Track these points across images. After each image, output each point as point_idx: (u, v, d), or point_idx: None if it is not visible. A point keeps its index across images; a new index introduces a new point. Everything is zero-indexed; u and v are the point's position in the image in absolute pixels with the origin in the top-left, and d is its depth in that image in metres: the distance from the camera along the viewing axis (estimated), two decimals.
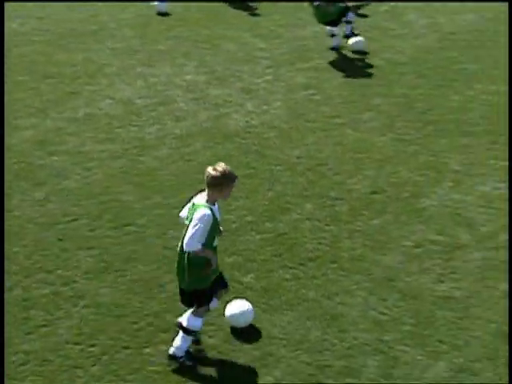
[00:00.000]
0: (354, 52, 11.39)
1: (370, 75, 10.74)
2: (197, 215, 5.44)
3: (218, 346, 6.00)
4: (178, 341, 5.78)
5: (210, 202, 5.55)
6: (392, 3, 13.20)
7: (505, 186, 8.00)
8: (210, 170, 5.52)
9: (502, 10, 12.48)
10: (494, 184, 8.05)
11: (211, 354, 5.94)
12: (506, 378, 5.62)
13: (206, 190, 5.57)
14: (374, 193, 8.01)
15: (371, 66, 10.96)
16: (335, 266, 6.91)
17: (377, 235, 7.33)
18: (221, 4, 13.60)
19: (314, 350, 5.97)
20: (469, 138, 8.96)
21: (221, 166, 5.52)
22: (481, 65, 10.72)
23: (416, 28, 12.16)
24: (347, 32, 11.48)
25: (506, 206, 7.66)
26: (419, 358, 5.87)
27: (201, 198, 5.61)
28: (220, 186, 5.49)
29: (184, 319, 5.76)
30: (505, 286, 6.53)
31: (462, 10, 12.64)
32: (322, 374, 5.75)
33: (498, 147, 8.72)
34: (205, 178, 5.52)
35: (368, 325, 6.21)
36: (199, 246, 5.46)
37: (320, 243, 7.23)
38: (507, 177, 8.12)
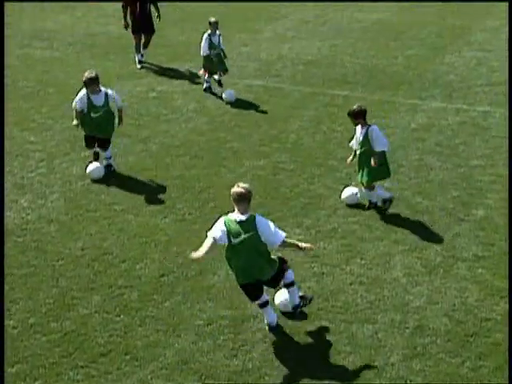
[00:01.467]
0: (127, 137, 11.58)
1: (145, 160, 10.95)
2: (261, 219, 6.92)
3: None
4: (292, 297, 7.27)
5: (248, 212, 6.90)
6: (159, 87, 13.74)
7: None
8: (239, 189, 6.85)
9: (259, 91, 13.58)
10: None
11: None
12: None
13: (239, 207, 6.87)
14: (163, 275, 8.07)
15: (146, 151, 11.20)
16: (129, 357, 6.78)
17: (169, 318, 7.35)
18: None
19: None
20: None
21: (242, 183, 6.96)
22: (246, 143, 11.49)
23: (185, 112, 12.73)
24: None
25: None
26: None
27: (239, 214, 6.87)
28: (250, 198, 6.91)
29: (286, 278, 7.18)
30: (292, 354, 6.85)
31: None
32: None
33: (272, 218, 9.30)
34: (236, 197, 6.84)
35: None
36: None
37: (111, 335, 7.06)
38: None
